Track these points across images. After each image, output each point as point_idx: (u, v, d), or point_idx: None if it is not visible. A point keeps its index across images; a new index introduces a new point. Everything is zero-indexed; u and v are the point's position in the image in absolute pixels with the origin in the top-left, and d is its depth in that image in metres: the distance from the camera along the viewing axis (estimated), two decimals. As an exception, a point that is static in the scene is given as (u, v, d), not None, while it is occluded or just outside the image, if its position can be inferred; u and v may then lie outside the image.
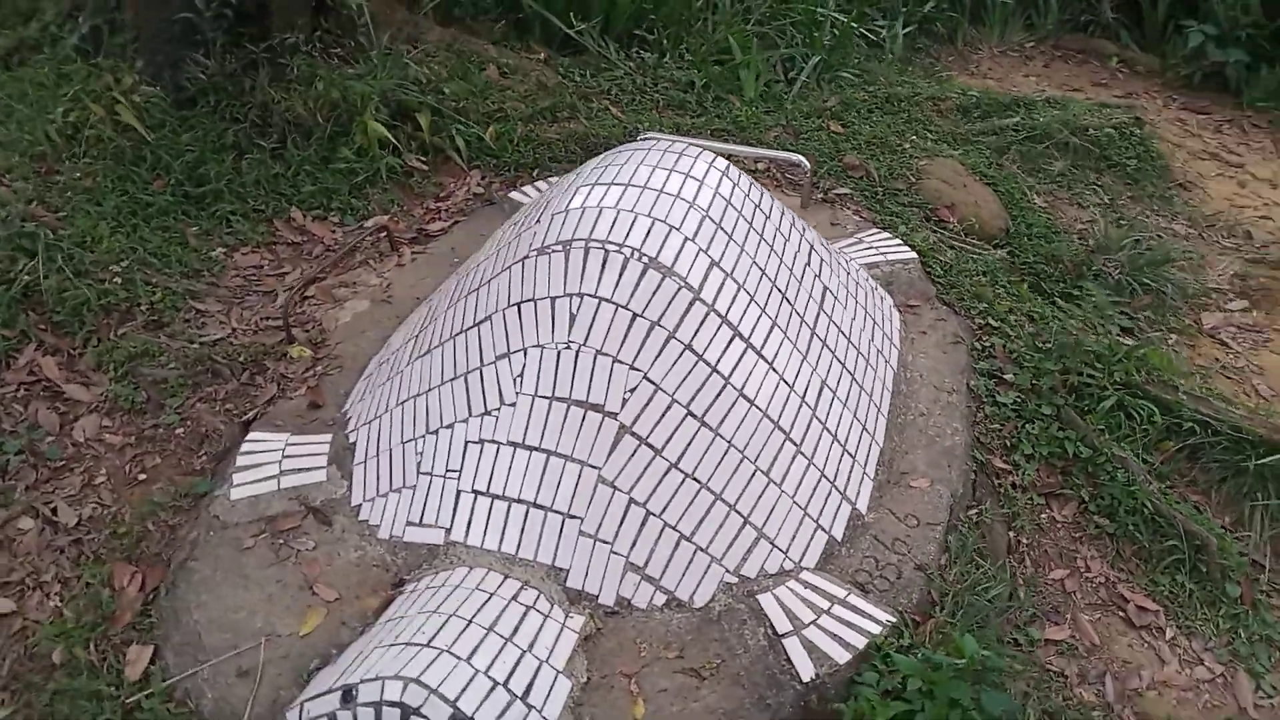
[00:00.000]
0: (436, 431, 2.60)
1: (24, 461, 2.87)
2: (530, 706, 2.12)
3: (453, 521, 2.52)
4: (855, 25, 5.41)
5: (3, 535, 2.71)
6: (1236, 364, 3.90)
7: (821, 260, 3.14)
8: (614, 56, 4.91)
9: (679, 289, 2.54)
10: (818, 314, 2.93)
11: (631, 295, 2.52)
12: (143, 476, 2.90)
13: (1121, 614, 2.78)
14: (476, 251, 3.59)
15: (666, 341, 2.50)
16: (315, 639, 2.35)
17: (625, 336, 2.50)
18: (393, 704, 1.98)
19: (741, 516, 2.51)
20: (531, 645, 2.24)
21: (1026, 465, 3.09)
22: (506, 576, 2.41)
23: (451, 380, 2.64)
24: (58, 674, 2.35)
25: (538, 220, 2.73)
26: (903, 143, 4.66)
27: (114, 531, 2.73)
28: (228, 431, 2.99)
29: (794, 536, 2.56)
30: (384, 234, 3.77)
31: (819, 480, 2.66)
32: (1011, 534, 2.92)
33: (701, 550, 2.47)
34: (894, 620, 2.41)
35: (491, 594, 2.34)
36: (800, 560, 2.55)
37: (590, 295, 2.52)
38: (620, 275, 2.53)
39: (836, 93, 5.00)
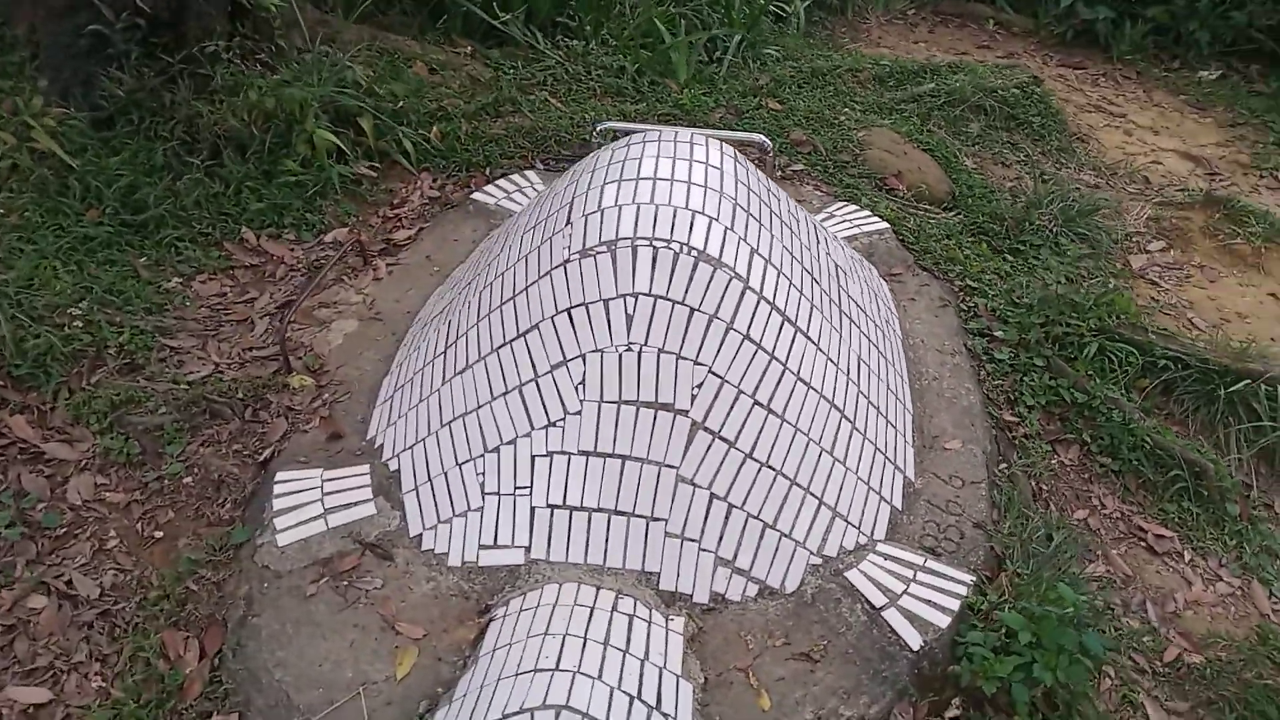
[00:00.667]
0: (497, 449, 2.52)
1: (19, 534, 2.60)
2: (666, 715, 2.10)
3: (531, 539, 2.45)
4: (763, 1, 5.49)
5: (15, 618, 2.46)
6: (1170, 301, 4.21)
7: (826, 238, 3.20)
8: (542, 46, 4.82)
9: (730, 279, 2.54)
10: (838, 290, 2.99)
11: (686, 290, 2.50)
12: (158, 534, 2.68)
13: (1143, 544, 2.99)
14: (462, 260, 3.49)
15: (726, 333, 2.50)
16: (414, 680, 2.25)
17: (685, 332, 2.48)
18: (545, 735, 1.93)
19: (816, 498, 2.55)
20: (646, 654, 2.22)
21: (1030, 415, 3.25)
22: (599, 588, 2.37)
23: (504, 395, 2.56)
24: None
25: (568, 223, 2.67)
26: (837, 115, 4.78)
27: (145, 598, 2.52)
28: (244, 475, 2.80)
29: (863, 511, 2.62)
30: (356, 247, 3.59)
31: (874, 453, 2.73)
32: (1033, 482, 3.07)
33: (785, 536, 2.49)
34: (972, 579, 2.51)
35: (592, 607, 2.30)
36: (872, 534, 2.62)
37: (645, 294, 2.49)
38: (672, 271, 2.50)
39: (765, 70, 5.07)
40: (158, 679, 2.30)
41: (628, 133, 4.16)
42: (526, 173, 4.06)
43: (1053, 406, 3.31)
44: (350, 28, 4.72)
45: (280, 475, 2.68)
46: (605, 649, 2.17)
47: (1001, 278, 3.79)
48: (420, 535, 2.54)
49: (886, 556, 2.56)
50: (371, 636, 2.33)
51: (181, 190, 3.73)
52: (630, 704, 2.05)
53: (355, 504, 2.60)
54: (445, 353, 2.79)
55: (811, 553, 2.51)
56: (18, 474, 2.75)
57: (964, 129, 5.16)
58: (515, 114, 4.43)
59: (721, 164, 2.86)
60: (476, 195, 3.93)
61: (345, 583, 2.44)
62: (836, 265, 3.11)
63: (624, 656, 2.18)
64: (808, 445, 2.56)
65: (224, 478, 2.79)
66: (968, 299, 3.61)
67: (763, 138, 4.01)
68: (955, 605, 2.42)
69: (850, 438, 2.67)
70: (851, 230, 3.75)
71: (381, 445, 2.77)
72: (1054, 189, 4.61)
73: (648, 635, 2.28)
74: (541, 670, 2.06)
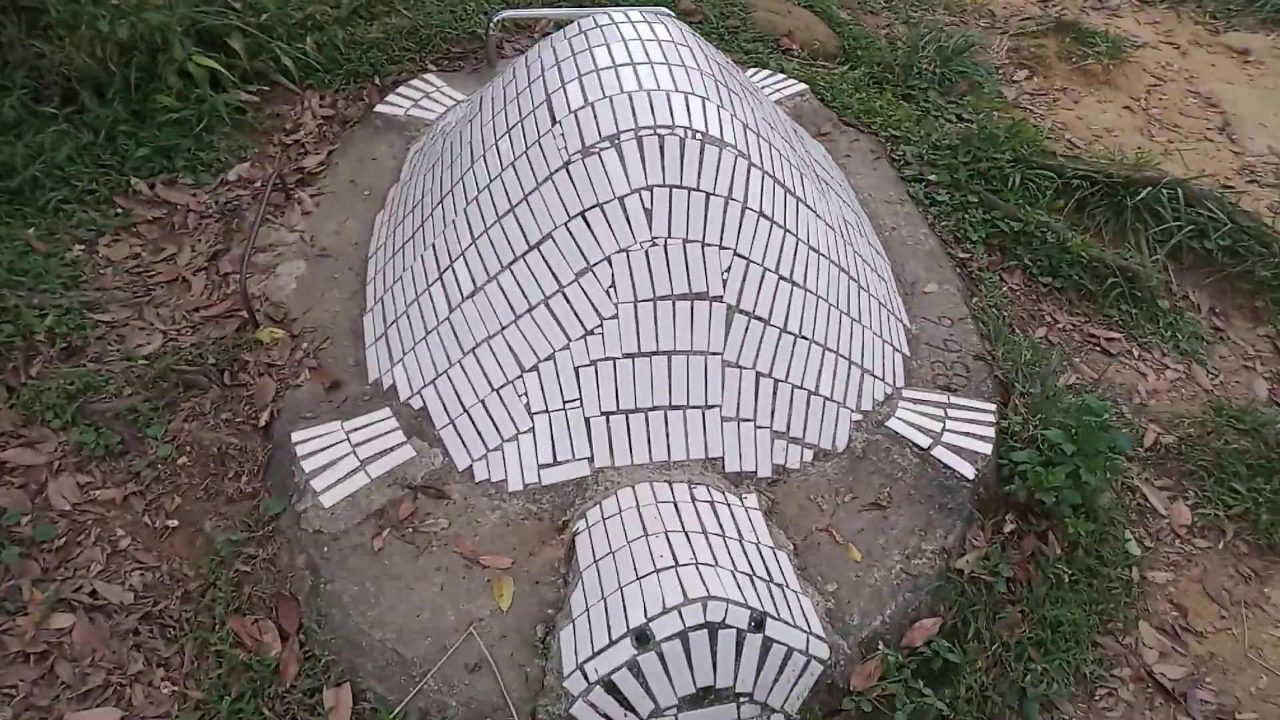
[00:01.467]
0: (535, 368, 2.45)
1: (16, 554, 2.33)
2: (781, 586, 2.18)
3: (592, 449, 2.43)
4: None
5: (43, 643, 2.23)
6: (1046, 125, 4.52)
7: (774, 105, 3.21)
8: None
9: (735, 157, 2.53)
10: (804, 153, 3.03)
11: (699, 174, 2.47)
12: (172, 523, 2.47)
13: (1098, 348, 3.29)
14: (394, 180, 3.27)
15: (742, 212, 2.50)
16: (520, 608, 2.22)
17: (705, 217, 2.46)
18: (697, 626, 1.97)
19: (845, 358, 2.64)
20: (740, 534, 2.28)
21: (976, 249, 3.46)
22: (670, 482, 2.40)
23: (529, 311, 2.47)
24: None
25: (554, 122, 2.55)
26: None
27: (187, 591, 2.34)
28: (248, 443, 2.60)
29: (884, 363, 2.75)
30: (277, 182, 3.29)
31: (878, 307, 2.84)
32: (994, 310, 3.30)
33: (828, 399, 2.58)
34: (994, 406, 2.71)
35: (674, 502, 2.32)
36: (895, 383, 2.75)
37: (660, 185, 2.44)
38: (682, 157, 2.46)
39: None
40: (244, 668, 2.16)
41: (531, 20, 3.98)
42: (427, 76, 3.81)
43: (993, 238, 3.52)
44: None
45: (296, 435, 2.50)
46: (707, 537, 2.22)
47: (915, 123, 3.94)
48: (470, 467, 2.46)
49: (915, 401, 2.70)
50: (459, 576, 2.27)
51: (47, 145, 3.28)
52: (753, 582, 2.12)
53: (391, 449, 2.48)
54: (442, 279, 2.65)
55: (852, 410, 2.62)
56: (-16, 490, 2.44)
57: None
58: (390, 14, 4.11)
59: (685, 40, 2.80)
60: (380, 108, 3.66)
61: (410, 529, 2.35)
62: (793, 129, 3.13)
63: (724, 540, 2.23)
64: (829, 310, 2.63)
65: (225, 450, 2.58)
66: (895, 148, 3.74)
67: (665, 10, 3.91)
68: (991, 432, 2.60)
69: (859, 296, 2.76)
70: (775, 95, 3.77)
71: (393, 385, 2.63)
72: (925, 31, 4.77)
73: (733, 517, 2.33)
74: (663, 569, 2.09)
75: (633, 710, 1.99)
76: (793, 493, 2.48)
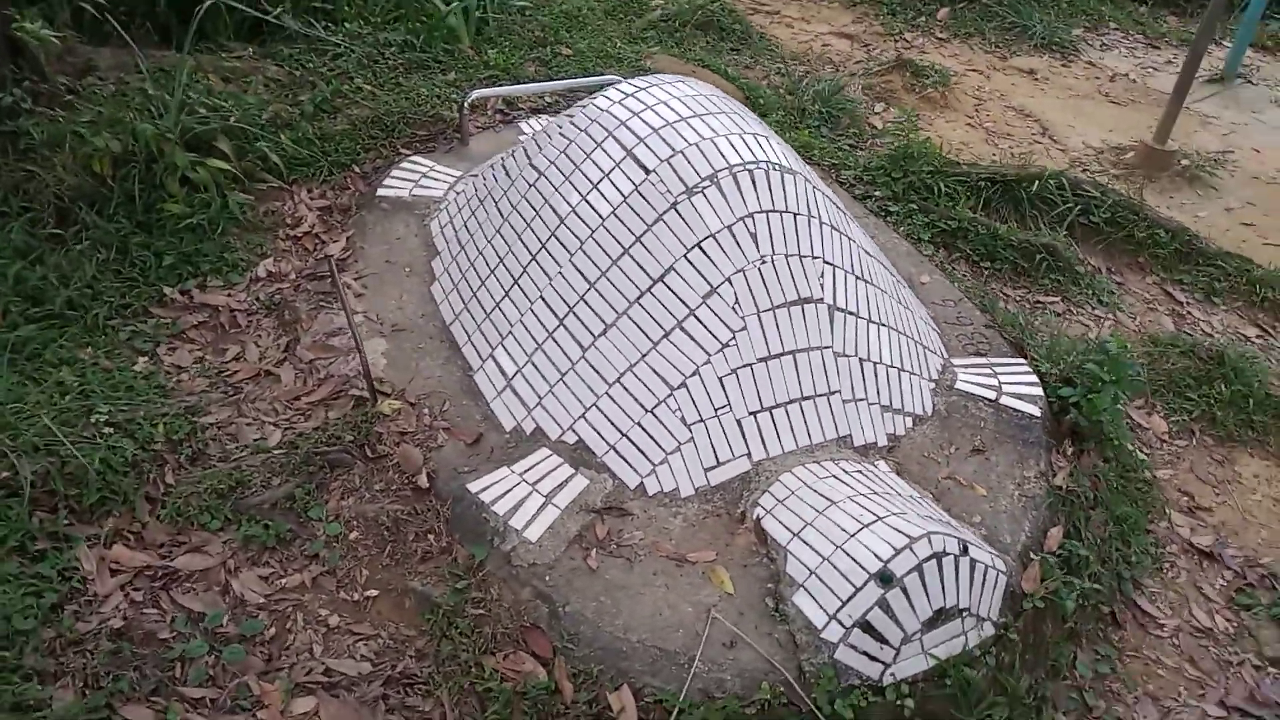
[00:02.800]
0: (683, 384, 2.74)
1: (241, 652, 2.33)
2: (955, 525, 2.60)
3: (747, 446, 2.75)
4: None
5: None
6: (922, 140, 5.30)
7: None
8: (325, 34, 4.58)
9: (806, 182, 2.97)
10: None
11: (785, 198, 2.89)
12: (371, 593, 2.54)
13: (1047, 309, 3.98)
14: (433, 253, 3.45)
15: (821, 226, 2.94)
16: (743, 588, 2.49)
17: (798, 234, 2.88)
18: (929, 558, 2.34)
19: (911, 338, 3.12)
20: (896, 490, 2.68)
21: (931, 246, 4.09)
22: (819, 461, 2.76)
23: (665, 337, 2.77)
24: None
25: (646, 171, 2.88)
26: (614, 50, 5.18)
27: (419, 649, 2.42)
28: (415, 505, 2.70)
29: (931, 339, 3.26)
30: (332, 266, 3.37)
31: (911, 297, 3.35)
32: (978, 291, 3.91)
33: (911, 374, 3.05)
34: (1023, 360, 3.28)
35: (834, 475, 2.69)
36: (942, 354, 3.27)
37: (759, 211, 2.83)
38: (770, 186, 2.87)
39: (528, 20, 5.27)
40: (519, 697, 2.29)
41: (503, 97, 4.28)
42: (414, 159, 3.99)
43: (937, 237, 4.16)
44: (101, 53, 4.12)
45: (474, 486, 2.64)
46: (878, 497, 2.60)
47: (845, 153, 4.56)
48: (642, 484, 2.71)
49: (965, 366, 3.23)
50: (676, 575, 2.51)
51: (66, 266, 3.20)
52: (942, 523, 2.52)
53: (566, 481, 2.68)
54: (564, 325, 2.88)
55: (926, 379, 3.10)
56: (169, 601, 2.41)
57: (694, 45, 5.82)
58: (350, 106, 4.25)
59: (713, 93, 3.22)
60: (383, 191, 3.80)
61: (613, 545, 2.56)
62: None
63: (896, 496, 2.62)
64: (889, 299, 3.11)
65: (395, 517, 2.67)
66: (838, 174, 4.32)
67: (615, 77, 4.32)
68: (1035, 379, 3.16)
69: (899, 286, 3.27)
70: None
71: (538, 428, 2.83)
72: (799, 80, 5.47)
73: (882, 479, 2.73)
74: (870, 524, 2.44)
75: (886, 643, 2.32)
76: (909, 454, 2.91)
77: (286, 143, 3.92)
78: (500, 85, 4.49)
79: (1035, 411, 3.05)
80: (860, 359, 2.91)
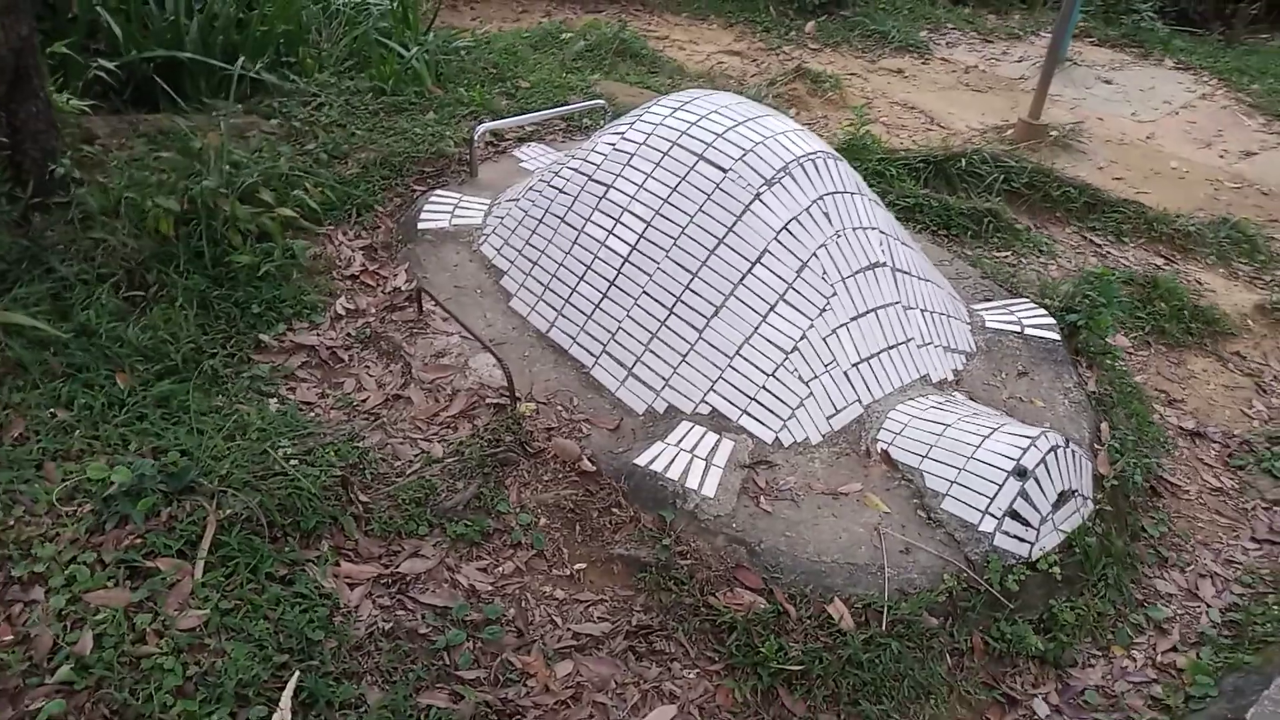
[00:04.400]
0: (795, 348, 3.16)
1: (501, 632, 2.55)
2: (1047, 434, 3.14)
3: (856, 392, 3.19)
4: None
5: (566, 689, 2.51)
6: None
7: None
8: (305, 87, 4.71)
9: (847, 166, 3.47)
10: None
11: (842, 180, 3.37)
12: (579, 566, 2.79)
13: (1003, 262, 4.65)
14: (495, 273, 3.71)
15: (868, 201, 3.45)
16: (894, 506, 2.93)
17: (858, 209, 3.36)
18: (1050, 450, 2.86)
19: (943, 289, 3.67)
20: (982, 411, 3.21)
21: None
22: (914, 396, 3.24)
23: (772, 309, 3.18)
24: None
25: (724, 171, 3.29)
26: (562, 80, 5.55)
27: (645, 604, 2.71)
28: (586, 488, 2.97)
29: (954, 289, 3.82)
30: (416, 295, 3.57)
31: (924, 256, 3.92)
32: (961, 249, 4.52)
33: (954, 318, 3.59)
34: (1023, 298, 3.90)
35: (935, 405, 3.18)
36: (965, 301, 3.84)
37: (828, 193, 3.30)
38: (830, 170, 3.35)
39: (474, 58, 5.54)
40: (754, 621, 2.61)
41: (509, 128, 4.57)
42: (439, 193, 4.21)
43: (899, 214, 4.77)
44: (99, 121, 4.11)
45: (641, 460, 2.95)
46: (981, 415, 3.10)
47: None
48: (776, 438, 3.10)
49: (986, 309, 3.81)
50: (837, 506, 2.92)
51: (161, 324, 3.26)
52: (1040, 428, 3.05)
53: (716, 445, 3.03)
54: (674, 313, 3.23)
55: (965, 323, 3.65)
56: (412, 602, 2.60)
57: (618, 68, 6.27)
58: (356, 150, 4.41)
59: (743, 99, 3.67)
60: (423, 225, 4.01)
61: (774, 491, 2.94)
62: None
63: (987, 414, 3.14)
64: (922, 259, 3.65)
65: (574, 500, 2.93)
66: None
67: (601, 101, 4.71)
68: (1045, 313, 3.78)
69: (919, 248, 3.82)
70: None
71: (670, 405, 3.16)
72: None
73: (967, 404, 3.24)
74: (989, 435, 2.94)
75: (1029, 525, 2.82)
76: (973, 384, 3.44)
77: (314, 189, 4.05)
78: (481, 120, 4.75)
79: (1056, 336, 3.66)
80: (921, 310, 3.42)
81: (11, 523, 2.43)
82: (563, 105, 4.87)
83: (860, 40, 7.77)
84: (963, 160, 5.13)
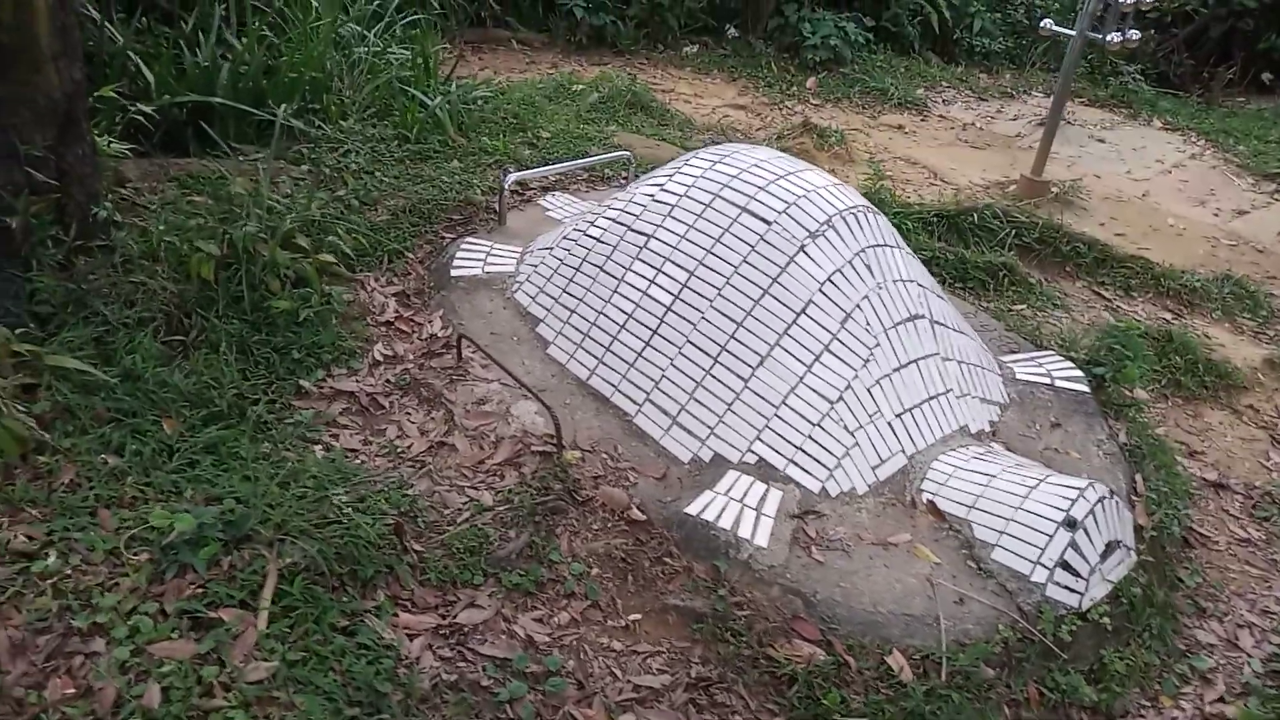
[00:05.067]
0: (840, 398, 3.19)
1: (562, 684, 2.52)
2: (1094, 485, 3.18)
3: (900, 443, 3.23)
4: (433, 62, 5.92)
5: (630, 740, 2.49)
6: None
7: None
8: (331, 133, 4.74)
9: (885, 219, 3.54)
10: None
11: (881, 234, 3.44)
12: (634, 617, 2.78)
13: (1019, 314, 4.73)
14: (533, 320, 3.73)
15: (905, 254, 3.51)
16: (943, 557, 2.95)
17: (896, 261, 3.43)
18: (1098, 500, 2.90)
19: (976, 342, 3.73)
20: (1027, 462, 3.25)
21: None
22: (956, 447, 3.28)
23: (816, 360, 3.21)
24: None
25: (767, 224, 3.35)
26: (579, 130, 5.62)
27: (703, 655, 2.70)
28: (637, 537, 2.97)
29: (984, 342, 3.88)
30: (456, 342, 3.57)
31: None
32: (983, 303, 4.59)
33: (990, 371, 3.65)
34: (1048, 351, 3.97)
35: (978, 456, 3.22)
36: (994, 353, 3.90)
37: (869, 247, 3.36)
38: (871, 224, 3.41)
39: (493, 108, 5.60)
40: (815, 673, 2.60)
41: (536, 177, 4.62)
42: (469, 239, 4.24)
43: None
44: (127, 163, 4.11)
45: (691, 510, 2.95)
46: (1024, 466, 3.15)
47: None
48: (823, 487, 3.12)
49: (1015, 361, 3.87)
50: (888, 556, 2.93)
51: (204, 369, 3.24)
52: (1085, 479, 3.09)
53: (765, 494, 3.04)
54: (719, 362, 3.26)
55: (997, 374, 3.71)
56: (471, 653, 2.57)
57: (632, 119, 6.37)
58: (386, 197, 4.44)
59: (781, 154, 3.75)
60: (456, 272, 4.03)
61: (825, 542, 2.95)
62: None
63: (1030, 465, 3.18)
64: (954, 310, 3.72)
65: (625, 550, 2.92)
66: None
67: (625, 152, 4.78)
68: (1072, 365, 3.85)
69: (950, 301, 3.88)
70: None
71: (716, 454, 3.17)
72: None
73: (1007, 454, 3.29)
74: (1036, 487, 2.98)
75: (1079, 575, 2.84)
76: (1008, 435, 3.49)
77: (346, 235, 4.06)
78: (508, 169, 4.79)
79: (1085, 389, 3.73)
80: (958, 361, 3.47)
81: (69, 571, 2.39)
82: (587, 156, 4.93)
83: (860, 96, 7.94)
84: (974, 215, 5.24)
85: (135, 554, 2.47)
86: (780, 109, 7.60)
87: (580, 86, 6.69)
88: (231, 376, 3.21)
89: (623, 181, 5.05)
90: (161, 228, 3.51)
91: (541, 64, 7.83)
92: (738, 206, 3.43)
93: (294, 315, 3.52)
